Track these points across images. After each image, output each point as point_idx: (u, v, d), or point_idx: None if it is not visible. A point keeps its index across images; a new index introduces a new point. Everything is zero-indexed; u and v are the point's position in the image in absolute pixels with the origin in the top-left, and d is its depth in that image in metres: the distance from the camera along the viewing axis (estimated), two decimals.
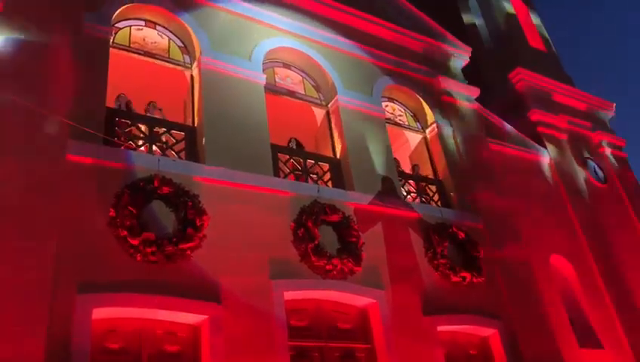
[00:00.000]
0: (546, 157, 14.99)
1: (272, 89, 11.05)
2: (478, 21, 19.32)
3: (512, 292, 11.10)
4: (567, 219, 14.00)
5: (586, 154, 16.33)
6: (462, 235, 11.08)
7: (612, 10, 57.69)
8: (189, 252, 7.84)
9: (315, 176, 10.60)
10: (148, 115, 9.61)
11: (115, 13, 9.59)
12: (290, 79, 11.67)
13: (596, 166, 16.29)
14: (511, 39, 18.17)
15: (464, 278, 10.52)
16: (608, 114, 18.26)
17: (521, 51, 17.74)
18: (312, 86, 11.91)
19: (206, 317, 7.68)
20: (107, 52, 9.09)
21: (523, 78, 16.21)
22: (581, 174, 15.49)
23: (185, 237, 7.80)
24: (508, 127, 14.84)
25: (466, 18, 19.53)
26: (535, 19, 19.93)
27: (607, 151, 17.01)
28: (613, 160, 16.95)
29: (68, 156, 7.58)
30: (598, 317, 12.59)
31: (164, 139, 9.26)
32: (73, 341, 6.55)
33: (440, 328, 9.86)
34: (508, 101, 16.44)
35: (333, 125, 11.50)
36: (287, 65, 11.79)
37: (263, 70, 10.81)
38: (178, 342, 7.62)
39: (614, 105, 18.29)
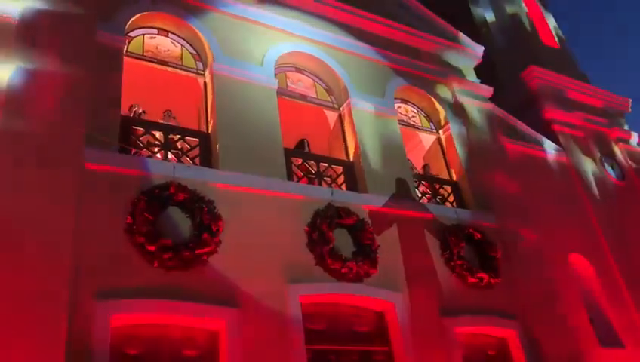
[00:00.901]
0: (562, 155, 14.84)
1: (284, 93, 11.10)
2: (490, 20, 19.20)
3: (530, 293, 10.99)
4: (585, 217, 13.84)
5: (603, 152, 16.13)
6: (478, 236, 11.01)
7: (627, 4, 56.99)
8: (205, 257, 7.90)
9: (328, 179, 10.61)
10: (164, 122, 9.72)
11: (128, 23, 9.70)
12: (302, 83, 11.71)
13: (614, 163, 16.09)
14: (524, 37, 18.04)
15: (481, 279, 10.45)
16: (624, 110, 18.03)
17: (535, 49, 17.61)
18: (324, 89, 11.94)
19: (224, 321, 7.71)
20: (121, 61, 9.20)
21: (537, 76, 16.06)
22: (598, 171, 15.31)
23: (201, 243, 7.87)
24: (523, 125, 14.72)
25: (478, 17, 19.42)
26: (548, 17, 19.78)
27: (625, 147, 16.78)
28: (630, 156, 16.71)
29: (86, 165, 7.68)
30: (619, 316, 12.42)
31: (178, 146, 9.34)
32: (93, 348, 6.62)
33: (457, 330, 9.77)
34: (522, 99, 16.31)
35: (345, 128, 11.50)
36: (298, 70, 11.83)
37: (275, 75, 10.86)
38: (196, 347, 7.65)
39: (630, 101, 18.06)
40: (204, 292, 7.72)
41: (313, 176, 10.41)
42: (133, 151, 8.64)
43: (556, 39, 19.05)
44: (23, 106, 7.52)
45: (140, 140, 8.98)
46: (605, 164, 15.79)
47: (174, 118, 10.12)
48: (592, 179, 14.86)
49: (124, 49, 9.54)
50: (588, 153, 15.48)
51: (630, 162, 16.58)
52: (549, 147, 14.78)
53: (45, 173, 7.17)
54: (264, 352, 7.74)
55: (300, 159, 10.49)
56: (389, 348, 9.14)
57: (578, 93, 16.85)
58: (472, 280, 10.38)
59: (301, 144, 11.35)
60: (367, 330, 9.23)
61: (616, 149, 16.67)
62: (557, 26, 19.75)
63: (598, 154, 15.86)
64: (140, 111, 9.63)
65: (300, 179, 10.18)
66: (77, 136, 7.70)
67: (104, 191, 7.73)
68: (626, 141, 16.99)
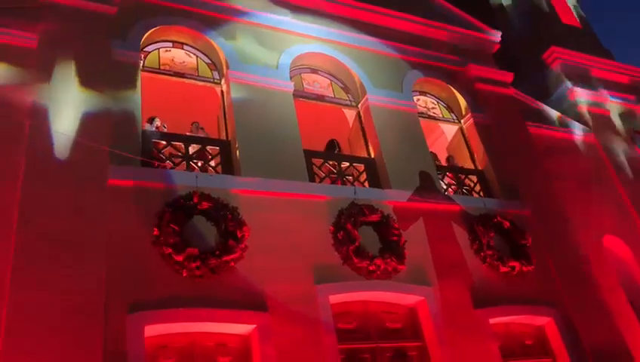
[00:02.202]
0: (590, 135, 14.49)
1: (300, 95, 11.13)
2: (507, 3, 18.86)
3: (565, 278, 10.75)
4: (617, 197, 13.48)
5: (633, 128, 15.68)
6: (507, 224, 10.83)
7: None
8: (232, 263, 7.99)
9: (350, 177, 10.60)
10: (192, 134, 9.86)
11: (143, 38, 9.87)
12: (318, 84, 11.72)
13: None
14: (542, 18, 17.65)
15: (513, 268, 10.28)
16: None
17: (554, 29, 17.20)
18: (341, 88, 11.92)
19: (254, 326, 7.79)
20: (138, 76, 9.36)
21: (558, 56, 15.70)
22: (629, 150, 14.88)
23: (227, 250, 7.96)
24: (546, 108, 14.44)
25: (494, 1, 19.11)
26: None
27: None
28: None
29: (109, 181, 7.85)
30: None
31: (200, 156, 9.47)
32: (129, 359, 6.76)
33: (492, 320, 9.64)
34: (545, 82, 15.99)
35: (365, 125, 11.46)
36: (314, 70, 11.85)
37: (291, 77, 10.90)
38: (229, 353, 7.75)
39: None
40: (234, 298, 7.80)
41: (335, 176, 10.40)
42: (156, 164, 8.78)
43: (576, 17, 18.58)
44: (48, 127, 7.75)
45: (161, 153, 9.13)
46: (636, 140, 15.34)
47: (202, 128, 10.27)
48: (622, 157, 14.46)
49: (141, 64, 9.71)
50: (617, 131, 15.07)
51: None
52: (576, 128, 14.45)
53: (71, 192, 7.37)
54: (297, 354, 7.78)
55: (321, 160, 10.50)
56: (423, 342, 9.08)
57: (602, 71, 16.40)
58: (503, 269, 10.22)
59: (331, 144, 11.34)
60: (399, 326, 9.18)
61: None
62: (576, 2, 19.26)
63: (629, 132, 15.42)
64: (159, 124, 9.78)
65: (322, 180, 10.19)
66: (101, 155, 7.89)
67: (129, 205, 7.90)
68: None
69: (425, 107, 12.89)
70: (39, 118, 7.83)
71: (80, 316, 6.58)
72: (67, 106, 8.12)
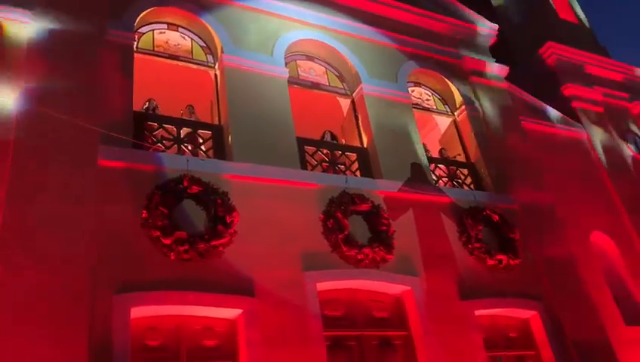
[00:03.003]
0: (583, 132, 14.56)
1: (295, 82, 11.08)
2: None
3: (551, 273, 10.85)
4: (607, 194, 13.61)
5: (625, 127, 15.77)
6: (496, 218, 10.88)
7: None
8: (221, 248, 7.99)
9: (342, 166, 10.60)
10: (185, 118, 9.82)
11: (138, 19, 9.78)
12: (313, 71, 11.67)
13: (636, 137, 15.72)
14: (539, 13, 17.64)
15: (500, 261, 10.36)
16: None
17: (551, 25, 17.22)
18: (336, 76, 11.88)
19: (241, 311, 7.83)
20: (132, 57, 9.29)
21: (554, 52, 15.74)
22: (621, 147, 14.98)
23: (216, 234, 7.96)
24: (541, 103, 14.47)
25: None
26: None
27: None
28: None
29: (100, 161, 7.81)
30: None
31: (191, 139, 9.43)
32: (114, 340, 6.78)
33: (478, 312, 9.74)
34: (540, 77, 16.01)
35: (359, 114, 11.45)
36: (309, 57, 11.79)
37: (286, 64, 10.85)
38: (215, 337, 7.79)
39: None
40: (221, 282, 7.82)
41: (327, 164, 10.40)
42: (147, 146, 8.74)
43: (573, 12, 18.57)
44: (40, 106, 7.68)
45: (153, 135, 9.08)
46: (628, 139, 15.44)
47: (194, 113, 10.20)
48: (613, 155, 14.55)
49: (135, 45, 9.63)
50: (609, 129, 15.16)
51: None
52: (569, 124, 14.50)
53: (60, 171, 7.33)
54: (283, 339, 7.83)
55: (314, 148, 10.49)
56: (409, 332, 9.17)
57: (597, 68, 16.47)
58: (491, 262, 10.30)
59: (324, 136, 11.29)
60: (385, 315, 9.26)
61: (639, 124, 16.25)
62: None
63: (620, 130, 15.50)
64: (154, 105, 9.72)
65: (313, 168, 10.20)
66: (92, 135, 7.84)
67: (119, 187, 7.87)
68: None
69: (419, 98, 12.88)
70: (30, 97, 7.75)
71: (66, 296, 6.57)
72: (58, 85, 8.04)
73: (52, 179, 7.27)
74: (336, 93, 11.74)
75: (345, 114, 11.89)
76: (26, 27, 8.42)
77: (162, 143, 9.08)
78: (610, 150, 14.63)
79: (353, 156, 10.86)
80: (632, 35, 56.65)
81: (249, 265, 8.14)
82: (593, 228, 12.66)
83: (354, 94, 11.66)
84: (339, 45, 11.80)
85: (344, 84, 11.84)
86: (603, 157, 14.27)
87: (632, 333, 11.33)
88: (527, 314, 10.39)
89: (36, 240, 6.78)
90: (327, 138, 11.14)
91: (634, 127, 16.01)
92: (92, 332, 6.57)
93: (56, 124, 7.63)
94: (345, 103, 11.85)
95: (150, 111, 9.61)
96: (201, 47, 10.59)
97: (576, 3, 19.15)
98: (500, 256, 10.39)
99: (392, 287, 9.34)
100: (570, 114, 14.82)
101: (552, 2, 18.07)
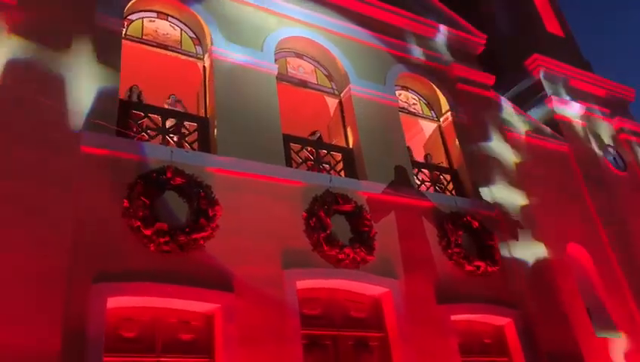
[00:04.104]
0: (564, 144, 14.76)
1: (284, 79, 11.05)
2: (494, 7, 19.00)
3: (527, 281, 10.99)
4: (585, 207, 13.82)
5: (605, 142, 16.04)
6: (476, 224, 11.00)
7: None
8: (201, 242, 7.92)
9: (327, 165, 10.60)
10: (169, 107, 9.70)
11: (127, 5, 9.65)
12: (302, 69, 11.65)
13: (616, 153, 16.00)
14: (527, 25, 17.86)
15: (478, 267, 10.47)
16: (628, 100, 17.89)
17: (538, 37, 17.43)
18: (325, 75, 11.88)
19: (219, 305, 7.76)
20: (120, 44, 9.16)
21: (540, 64, 15.94)
22: (600, 162, 15.24)
23: (197, 228, 7.88)
24: (524, 114, 14.64)
25: (482, 4, 19.22)
26: (552, 4, 19.54)
27: (627, 138, 16.66)
28: (633, 147, 16.60)
29: (82, 148, 7.68)
30: (616, 305, 12.46)
31: (177, 131, 9.33)
32: (88, 329, 6.67)
33: (454, 317, 9.83)
34: (525, 88, 16.21)
35: (345, 115, 11.46)
36: (299, 55, 11.76)
37: (275, 60, 10.81)
38: (192, 331, 7.72)
39: (634, 90, 17.91)
40: (200, 276, 7.75)
41: (312, 163, 10.39)
42: (131, 134, 8.62)
43: (560, 26, 18.83)
44: (22, 89, 7.52)
45: (138, 124, 8.96)
46: (607, 154, 15.71)
47: (180, 101, 10.07)
48: (592, 169, 14.79)
49: (123, 32, 9.49)
50: (590, 143, 15.40)
51: (632, 152, 16.46)
52: (551, 136, 14.70)
53: (41, 155, 7.19)
54: (260, 336, 7.79)
55: (299, 145, 10.46)
56: (385, 333, 9.21)
57: (581, 82, 16.72)
58: (469, 268, 10.40)
59: (313, 135, 11.24)
60: (363, 316, 9.28)
61: (619, 139, 16.56)
62: (561, 12, 19.52)
63: (600, 144, 15.77)
64: (137, 93, 9.58)
65: (298, 166, 10.17)
66: (76, 120, 7.71)
67: (101, 174, 7.75)
68: (629, 131, 16.85)
69: (406, 102, 12.94)
70: (11, 77, 7.58)
71: (42, 282, 6.47)
72: (43, 67, 7.88)
73: (32, 162, 7.13)
74: (324, 92, 11.73)
75: (332, 113, 11.89)
76: (11, 9, 8.20)
77: (147, 133, 8.97)
78: (590, 163, 14.87)
79: (338, 156, 10.87)
80: (616, 52, 57.80)
81: (229, 259, 8.09)
82: (570, 239, 12.85)
83: (342, 94, 11.66)
84: (329, 45, 11.80)
85: (332, 84, 11.84)
86: (582, 170, 14.49)
87: (603, 344, 11.54)
88: (503, 321, 10.50)
89: (12, 224, 6.65)
90: (317, 137, 11.13)
91: (613, 143, 16.28)
92: (67, 319, 6.46)
93: (40, 107, 7.49)
94: (332, 103, 11.84)
95: (134, 99, 9.47)
96: (190, 37, 10.49)
97: (564, 17, 19.41)
98: (478, 263, 10.49)
99: (370, 288, 9.36)
100: (553, 126, 15.03)
101: (540, 15, 18.30)
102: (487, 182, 12.04)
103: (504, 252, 11.05)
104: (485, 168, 12.29)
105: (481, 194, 11.83)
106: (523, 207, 12.14)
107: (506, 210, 11.78)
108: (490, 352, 10.25)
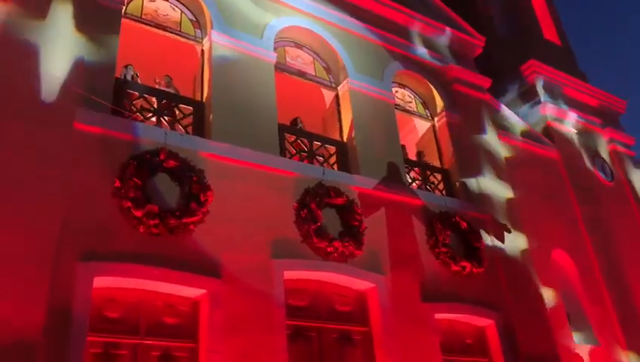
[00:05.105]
0: (554, 151, 14.89)
1: (282, 68, 10.99)
2: (493, 10, 19.05)
3: (511, 285, 11.09)
4: (571, 214, 13.95)
5: (595, 151, 16.21)
6: (464, 225, 11.06)
7: (631, 6, 56.85)
8: (192, 226, 7.88)
9: (321, 158, 10.57)
10: (162, 88, 9.59)
11: None
12: (300, 59, 11.59)
13: (604, 163, 16.17)
14: (526, 30, 17.94)
15: (464, 268, 10.54)
16: (620, 111, 18.06)
17: (536, 43, 17.52)
18: (323, 67, 11.83)
19: (205, 291, 7.74)
20: (119, 22, 9.05)
21: (535, 70, 16.02)
22: (588, 170, 15.40)
23: (188, 212, 7.84)
24: (517, 119, 14.73)
25: (482, 7, 19.26)
26: (551, 11, 19.64)
27: (616, 148, 16.84)
28: (621, 158, 16.79)
29: (75, 124, 7.58)
30: (596, 313, 12.62)
31: (172, 113, 9.24)
32: (73, 307, 6.61)
33: (437, 316, 9.89)
34: (519, 93, 16.31)
35: (342, 108, 11.44)
36: (298, 45, 11.70)
37: (274, 49, 10.73)
38: (177, 315, 7.68)
39: (626, 102, 18.09)
40: (188, 260, 7.71)
41: (306, 154, 10.36)
42: (126, 114, 8.52)
43: (558, 34, 18.95)
44: (15, 62, 7.38)
45: (133, 104, 8.86)
46: (596, 163, 15.87)
47: (172, 84, 9.95)
48: (581, 177, 14.94)
49: (123, 10, 9.36)
50: (579, 151, 15.54)
51: (620, 163, 16.64)
52: (542, 142, 14.81)
53: (33, 130, 7.07)
54: (244, 324, 7.78)
55: (294, 136, 10.42)
56: (369, 328, 9.25)
57: (575, 91, 16.84)
58: (455, 268, 10.46)
59: (294, 122, 11.20)
60: (348, 310, 9.30)
61: (608, 150, 16.74)
62: (560, 21, 19.63)
63: (590, 154, 15.93)
64: (132, 73, 9.46)
65: (292, 156, 10.13)
66: (71, 96, 7.59)
67: (94, 152, 7.66)
68: (618, 142, 17.04)
69: (402, 100, 12.95)
70: (3, 49, 7.43)
71: (28, 258, 6.36)
72: (37, 40, 7.73)
73: (23, 137, 7.00)
74: (322, 84, 11.70)
75: (327, 106, 11.86)
76: None
77: (142, 114, 8.87)
78: (579, 171, 15.01)
79: (332, 149, 10.86)
80: (611, 63, 58.40)
81: (218, 246, 8.05)
82: (555, 245, 12.98)
83: (339, 87, 11.63)
84: (329, 37, 11.75)
85: (330, 76, 11.80)
86: (571, 178, 14.62)
87: (582, 352, 11.71)
88: (485, 322, 10.59)
89: (1, 198, 6.53)
90: (298, 124, 11.03)
91: (603, 152, 16.46)
92: (52, 297, 6.38)
93: (33, 82, 7.36)
94: (329, 95, 11.81)
95: (128, 78, 9.35)
96: (190, 20, 10.38)
97: (561, 25, 19.53)
98: (464, 263, 10.56)
99: (357, 283, 9.38)
100: (545, 132, 15.14)
101: (538, 22, 18.38)
102: (477, 183, 12.10)
103: (490, 254, 11.12)
104: (476, 170, 12.35)
105: (471, 195, 11.89)
106: (511, 211, 12.22)
107: (494, 212, 11.85)
108: (471, 352, 10.34)
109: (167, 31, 10.05)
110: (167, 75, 10.02)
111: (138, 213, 7.46)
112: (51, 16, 7.99)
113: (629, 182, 16.35)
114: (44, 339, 6.13)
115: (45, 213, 6.70)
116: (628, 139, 17.37)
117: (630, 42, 56.94)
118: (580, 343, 11.86)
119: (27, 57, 7.49)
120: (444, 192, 11.96)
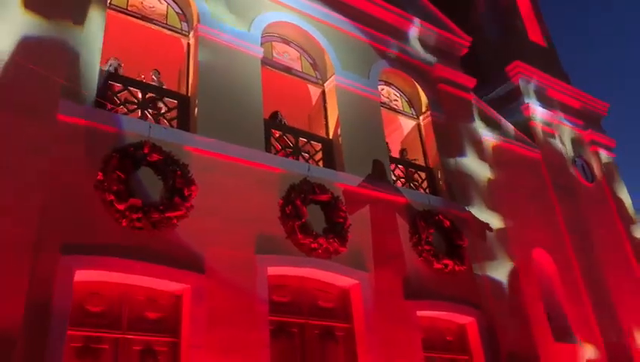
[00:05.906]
0: (536, 151, 15.06)
1: (268, 63, 10.94)
2: (480, 12, 19.19)
3: (492, 283, 11.21)
4: (552, 214, 14.14)
5: (576, 152, 16.43)
6: (447, 223, 11.14)
7: (616, 12, 57.67)
8: (175, 221, 7.83)
9: (306, 154, 10.57)
10: (151, 82, 9.51)
11: None
12: (287, 55, 11.56)
13: (585, 164, 16.41)
14: (511, 31, 18.10)
15: (446, 266, 10.62)
16: (602, 114, 18.33)
17: (521, 45, 17.70)
18: (310, 64, 11.81)
19: (188, 286, 7.69)
20: (104, 13, 8.92)
21: (520, 71, 16.19)
22: (570, 171, 15.61)
23: (172, 206, 7.78)
24: (501, 119, 14.87)
25: (468, 8, 19.38)
26: (537, 14, 19.83)
27: (597, 150, 17.11)
28: (602, 160, 17.05)
29: (58, 116, 7.47)
30: (575, 312, 12.81)
31: (156, 106, 9.16)
32: (54, 301, 6.53)
33: (419, 313, 9.96)
34: (503, 93, 16.45)
35: (328, 105, 11.44)
36: (285, 41, 11.66)
37: (262, 44, 10.69)
38: (159, 309, 7.63)
39: (609, 105, 18.35)
40: (171, 255, 7.66)
41: (291, 150, 10.34)
42: (110, 106, 8.43)
43: (543, 36, 19.15)
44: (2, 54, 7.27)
45: (117, 96, 8.76)
46: (577, 164, 16.09)
47: (158, 78, 9.87)
48: (562, 177, 15.14)
49: (108, 1, 9.24)
50: (561, 152, 15.74)
51: (601, 164, 16.90)
52: (525, 142, 14.97)
53: (14, 120, 6.95)
54: (227, 319, 7.75)
55: (280, 132, 10.39)
56: (352, 325, 9.27)
57: (558, 93, 17.06)
58: (437, 266, 10.54)
59: (274, 116, 11.07)
60: (331, 306, 9.32)
61: (589, 151, 16.98)
62: (545, 23, 19.83)
63: (571, 155, 16.15)
64: (116, 64, 9.35)
65: (277, 152, 10.11)
66: (54, 87, 7.47)
67: (76, 144, 7.56)
68: (599, 144, 17.30)
69: (388, 98, 12.99)
70: None
71: (7, 249, 6.25)
72: (20, 31, 7.61)
73: (4, 125, 6.88)
74: (308, 80, 11.67)
75: (314, 102, 11.85)
76: None
77: (125, 106, 8.78)
78: (560, 172, 15.21)
79: (318, 146, 10.84)
80: (595, 66, 59.17)
81: (202, 240, 8.01)
82: (536, 244, 13.14)
83: (325, 84, 11.63)
84: (317, 33, 11.73)
85: (317, 73, 11.79)
86: (552, 178, 14.81)
87: (560, 350, 11.86)
88: (465, 319, 10.69)
89: None
90: (279, 117, 10.99)
91: (584, 154, 16.69)
92: (32, 290, 6.30)
93: (17, 71, 7.24)
94: (315, 92, 11.80)
95: (112, 71, 9.24)
96: (176, 13, 10.29)
97: (546, 27, 19.73)
98: (446, 261, 10.64)
99: (341, 279, 9.40)
100: (527, 132, 15.30)
101: (524, 24, 18.55)
102: (460, 182, 12.20)
103: (472, 252, 11.22)
104: (459, 169, 12.44)
105: (454, 194, 11.98)
106: (493, 210, 12.34)
107: (476, 211, 11.96)
108: (452, 349, 10.44)
109: (153, 23, 9.94)
110: (155, 69, 9.92)
111: (121, 207, 7.38)
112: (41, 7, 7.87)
113: (609, 184, 16.61)
114: (23, 333, 6.05)
115: (25, 205, 6.60)
116: (609, 141, 17.65)
117: (616, 45, 57.75)
118: (559, 341, 12.01)
119: (8, 47, 7.36)
120: (427, 190, 12.03)
